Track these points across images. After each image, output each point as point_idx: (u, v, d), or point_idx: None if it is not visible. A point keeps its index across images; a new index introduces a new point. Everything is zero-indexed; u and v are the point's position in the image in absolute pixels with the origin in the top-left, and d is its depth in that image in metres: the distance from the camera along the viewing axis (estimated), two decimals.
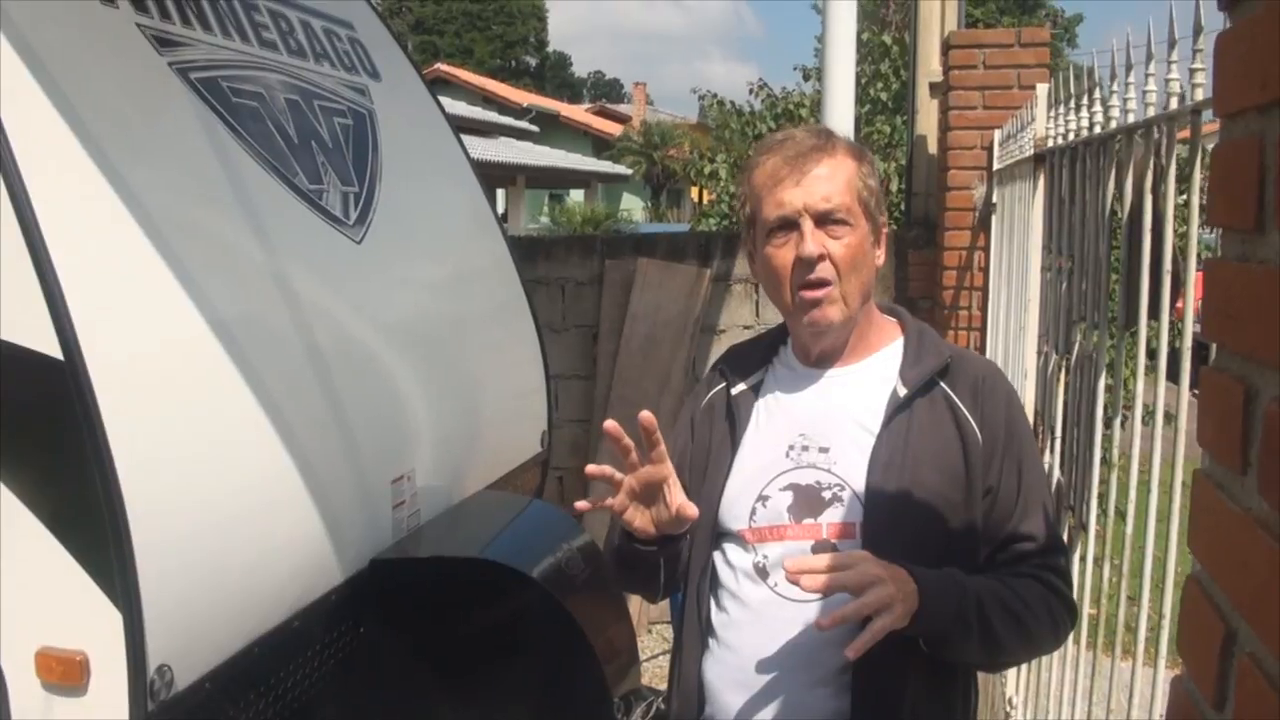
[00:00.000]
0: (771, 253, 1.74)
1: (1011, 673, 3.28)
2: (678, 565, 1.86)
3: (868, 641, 1.50)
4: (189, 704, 2.00)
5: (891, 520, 1.67)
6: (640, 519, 1.73)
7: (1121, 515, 2.17)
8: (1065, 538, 2.53)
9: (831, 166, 1.72)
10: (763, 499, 1.75)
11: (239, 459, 2.21)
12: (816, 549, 1.68)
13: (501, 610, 2.66)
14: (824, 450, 1.75)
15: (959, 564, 1.67)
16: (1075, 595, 2.43)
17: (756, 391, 1.87)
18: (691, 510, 1.70)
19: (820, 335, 1.77)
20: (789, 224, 1.71)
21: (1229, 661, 0.83)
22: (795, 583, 1.53)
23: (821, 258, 1.69)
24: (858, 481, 1.70)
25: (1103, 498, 2.31)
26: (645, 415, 1.66)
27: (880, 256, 1.80)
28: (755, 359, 1.91)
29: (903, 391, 1.74)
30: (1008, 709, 3.29)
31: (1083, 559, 2.46)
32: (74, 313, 1.85)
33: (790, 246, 1.71)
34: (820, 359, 1.82)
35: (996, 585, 1.65)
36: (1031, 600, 1.66)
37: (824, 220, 1.70)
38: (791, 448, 1.77)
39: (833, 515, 1.70)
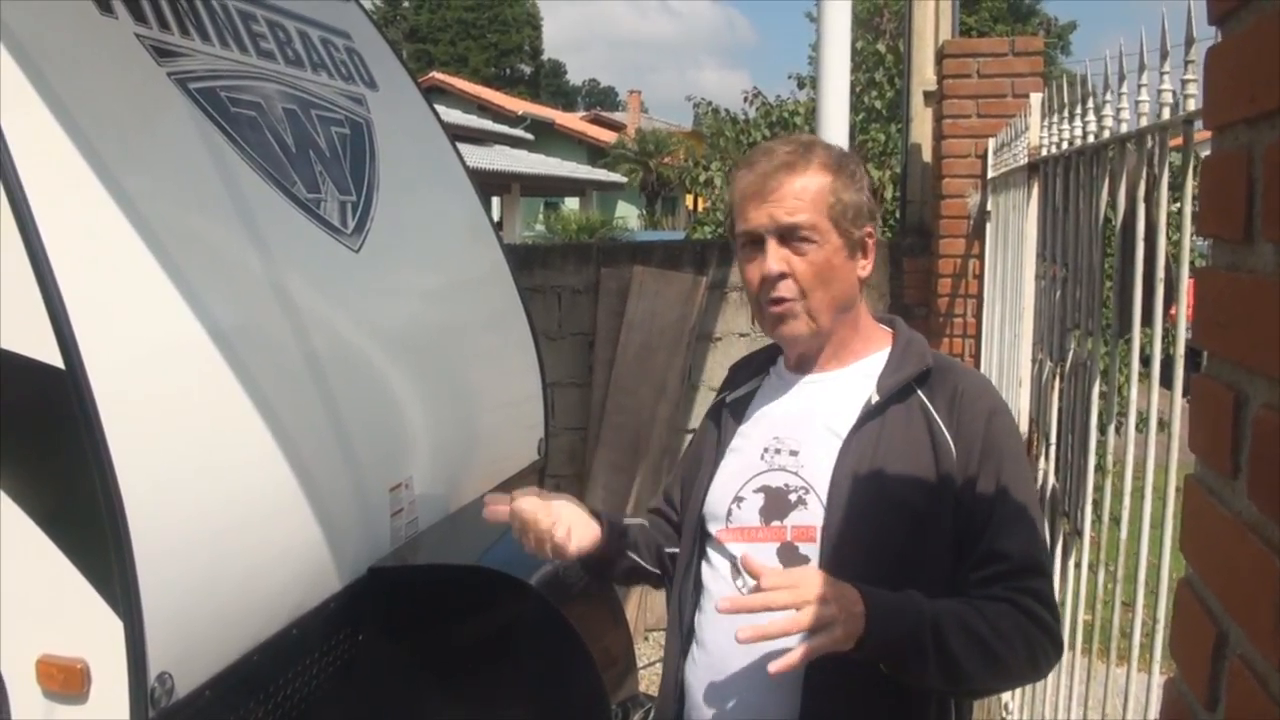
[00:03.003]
0: (744, 266, 1.79)
1: None
2: (661, 563, 1.98)
3: (794, 662, 1.48)
4: (189, 711, 2.00)
5: (851, 524, 1.67)
6: (530, 544, 1.88)
7: (1116, 521, 2.18)
8: (1061, 544, 2.55)
9: (801, 183, 1.73)
10: (738, 500, 1.78)
11: (238, 467, 2.22)
12: (780, 552, 1.70)
13: (499, 617, 2.67)
14: (794, 453, 1.77)
15: (924, 574, 1.64)
16: (1070, 601, 2.45)
17: (749, 399, 1.92)
18: (563, 552, 1.85)
19: (789, 345, 1.83)
20: (756, 239, 1.74)
21: (1220, 663, 0.84)
22: (727, 611, 1.57)
23: (783, 275, 1.72)
24: (822, 485, 1.71)
25: (1097, 504, 2.32)
26: (489, 512, 1.93)
27: (865, 267, 1.80)
28: (753, 368, 1.97)
29: (876, 398, 1.75)
30: (1003, 714, 3.30)
31: (1078, 565, 2.48)
32: (74, 321, 1.86)
33: (758, 262, 1.74)
34: (800, 365, 1.86)
35: (961, 609, 1.60)
36: (1003, 626, 1.60)
37: (788, 236, 1.72)
38: (766, 450, 1.80)
39: (797, 518, 1.72)
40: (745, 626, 1.50)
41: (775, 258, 1.72)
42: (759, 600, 1.52)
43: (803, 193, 1.72)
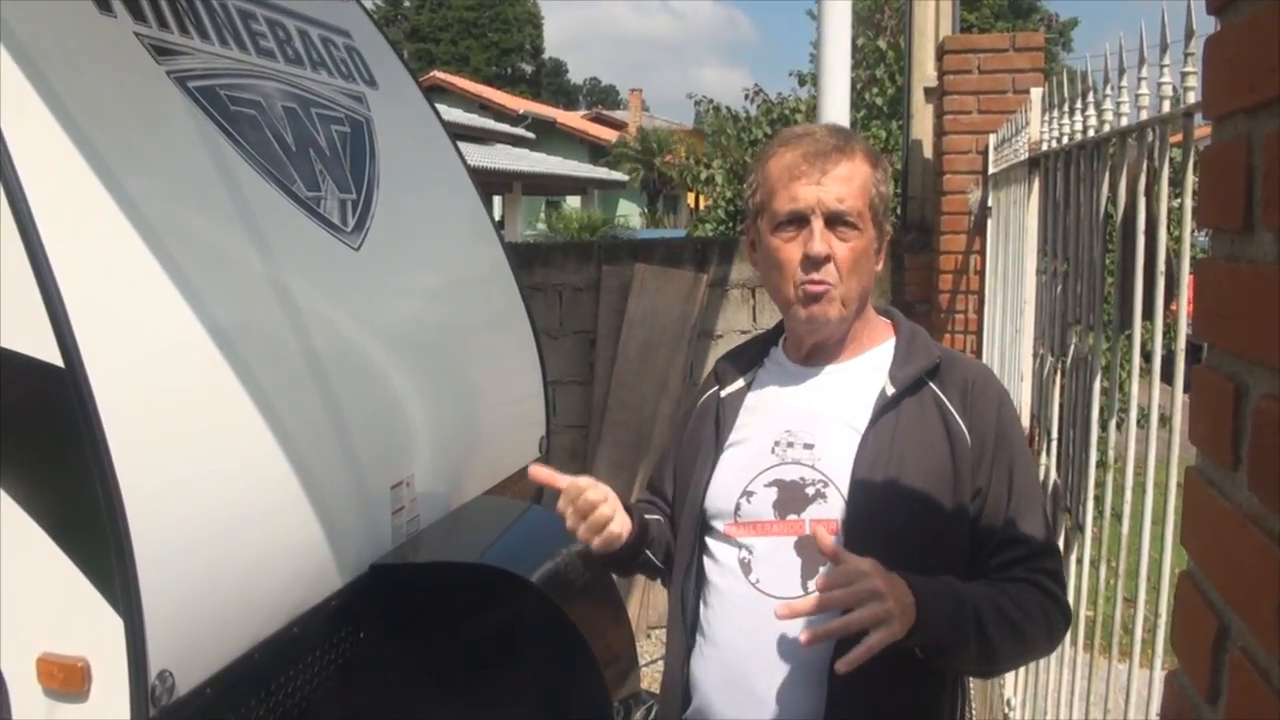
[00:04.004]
0: (778, 245, 1.76)
1: (1009, 674, 3.29)
2: (667, 555, 1.95)
3: (861, 656, 1.50)
4: (190, 709, 2.00)
5: (873, 518, 1.68)
6: (581, 530, 1.79)
7: (1118, 517, 2.17)
8: (1062, 539, 2.55)
9: (850, 169, 1.74)
10: (747, 494, 1.77)
11: (239, 465, 2.22)
12: (799, 545, 1.70)
13: (501, 615, 2.67)
14: (809, 447, 1.76)
15: (944, 564, 1.67)
16: (1072, 597, 2.45)
17: (746, 391, 1.91)
18: (614, 536, 1.78)
19: (815, 330, 1.79)
20: (800, 219, 1.73)
21: (1222, 655, 0.84)
22: (785, 617, 1.56)
23: (827, 258, 1.72)
24: (841, 478, 1.71)
25: (1099, 499, 2.32)
26: (533, 471, 1.84)
27: (879, 264, 1.83)
28: (747, 359, 1.96)
29: (890, 391, 1.75)
30: (1006, 710, 3.30)
31: (1079, 561, 2.47)
32: (74, 320, 1.86)
33: (798, 242, 1.74)
34: (811, 357, 1.85)
35: (994, 593, 1.65)
36: (1029, 607, 1.66)
37: (834, 221, 1.72)
38: (777, 444, 1.79)
39: (816, 511, 1.72)
40: (807, 631, 1.53)
41: (823, 239, 1.72)
42: (814, 603, 1.53)
43: (852, 179, 1.74)
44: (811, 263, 1.72)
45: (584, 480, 1.79)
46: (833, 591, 1.52)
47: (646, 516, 1.96)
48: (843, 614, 1.54)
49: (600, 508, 1.77)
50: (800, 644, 1.62)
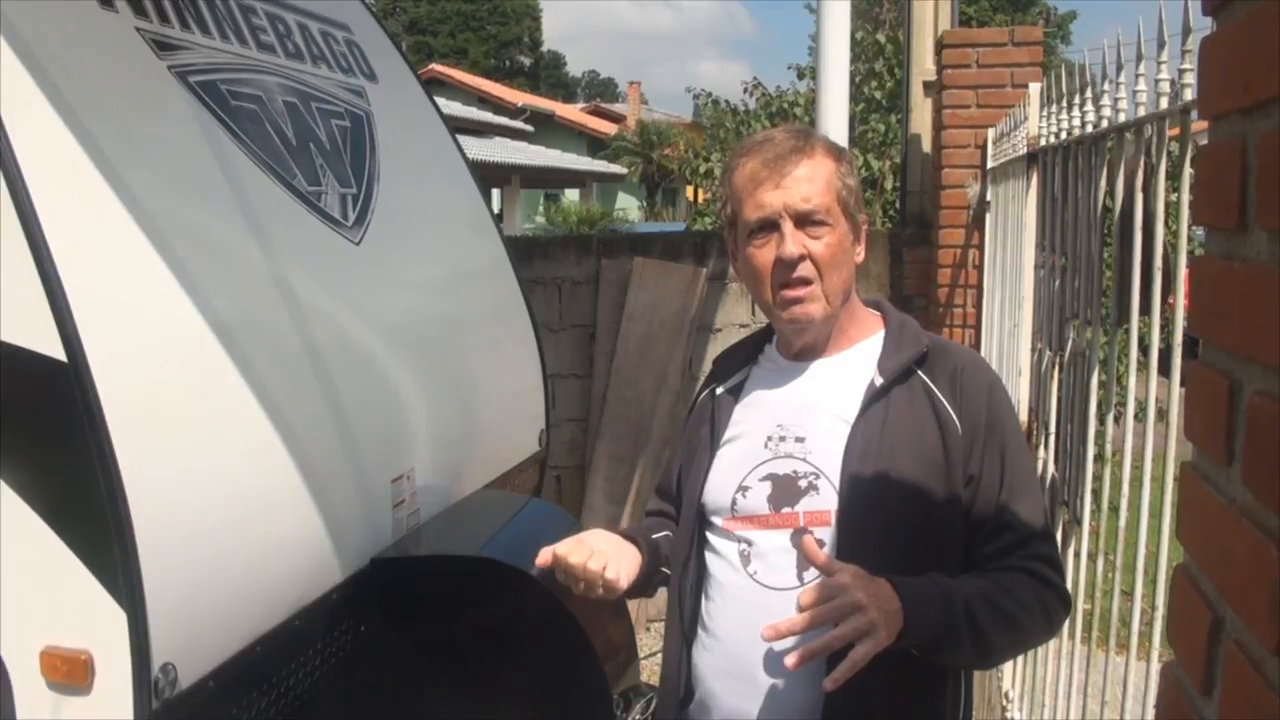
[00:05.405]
0: (753, 253, 1.77)
1: (1007, 667, 3.31)
2: (660, 575, 1.97)
3: (847, 671, 1.51)
4: (193, 702, 2.01)
5: (866, 508, 1.69)
6: (581, 589, 1.82)
7: (1115, 511, 2.19)
8: (1060, 533, 2.56)
9: (810, 167, 1.75)
10: (743, 489, 1.79)
11: (241, 459, 2.23)
12: (794, 538, 1.71)
13: (501, 608, 2.68)
14: (800, 440, 1.78)
15: (938, 553, 1.69)
16: (1070, 589, 2.47)
17: (740, 388, 1.92)
18: (612, 583, 1.79)
19: (802, 331, 1.80)
20: (769, 225, 1.75)
21: (1216, 648, 0.85)
22: (772, 639, 1.57)
23: (803, 258, 1.72)
24: (833, 470, 1.72)
25: (1097, 493, 2.33)
26: (542, 560, 1.83)
27: (860, 253, 1.83)
28: (741, 358, 1.97)
29: (879, 381, 1.76)
30: (1004, 703, 3.32)
31: (1077, 554, 2.48)
32: (76, 314, 1.87)
33: (771, 247, 1.75)
34: (801, 353, 1.86)
35: (985, 585, 1.66)
36: (1023, 596, 1.67)
37: (804, 221, 1.73)
38: (770, 438, 1.80)
39: (809, 504, 1.73)
40: (793, 654, 1.54)
41: (794, 241, 1.72)
42: (800, 622, 1.54)
43: (814, 177, 1.74)
44: (787, 265, 1.73)
45: (562, 547, 1.82)
46: (818, 610, 1.53)
47: (654, 536, 1.98)
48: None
49: (589, 564, 1.79)
50: (800, 637, 1.63)
